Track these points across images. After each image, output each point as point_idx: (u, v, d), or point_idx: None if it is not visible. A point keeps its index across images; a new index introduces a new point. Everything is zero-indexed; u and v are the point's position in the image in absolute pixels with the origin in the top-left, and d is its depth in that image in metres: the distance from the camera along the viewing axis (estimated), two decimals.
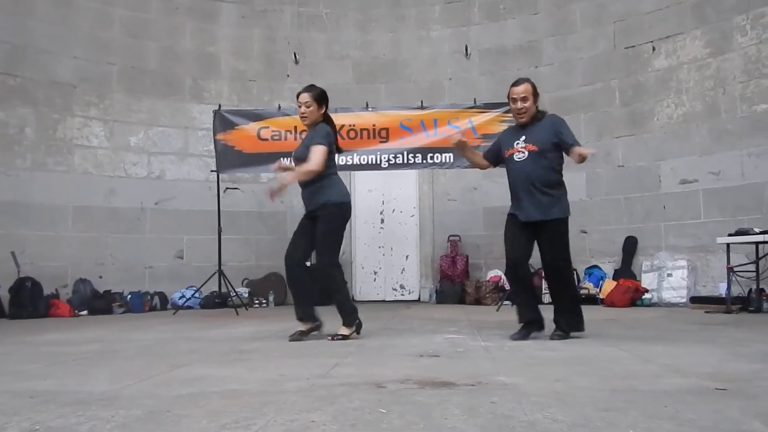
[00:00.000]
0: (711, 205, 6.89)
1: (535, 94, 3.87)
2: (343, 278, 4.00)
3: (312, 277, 4.04)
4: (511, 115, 4.29)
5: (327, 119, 4.06)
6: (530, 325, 3.85)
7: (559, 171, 3.86)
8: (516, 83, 3.90)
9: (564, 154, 3.84)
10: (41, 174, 7.17)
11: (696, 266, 6.91)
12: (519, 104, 3.84)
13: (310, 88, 4.02)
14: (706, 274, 6.87)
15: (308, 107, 3.95)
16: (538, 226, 3.79)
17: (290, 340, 3.89)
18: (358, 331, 3.99)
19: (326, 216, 3.88)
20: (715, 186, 6.87)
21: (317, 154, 3.83)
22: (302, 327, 3.97)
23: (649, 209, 7.39)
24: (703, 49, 7.03)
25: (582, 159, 3.63)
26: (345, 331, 3.91)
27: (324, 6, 8.71)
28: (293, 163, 4.14)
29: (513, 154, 3.85)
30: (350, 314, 3.95)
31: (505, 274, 4.26)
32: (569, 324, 3.83)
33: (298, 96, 4.02)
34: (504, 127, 5.88)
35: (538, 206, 3.77)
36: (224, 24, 8.39)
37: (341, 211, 3.95)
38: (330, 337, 3.88)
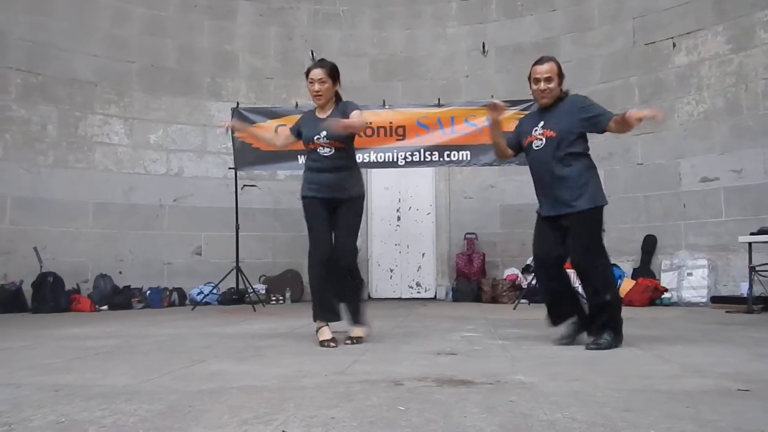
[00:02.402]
0: (732, 204, 6.79)
1: (560, 74, 3.47)
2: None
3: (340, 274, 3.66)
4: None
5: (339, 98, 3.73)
6: (571, 322, 3.47)
7: (584, 155, 3.41)
8: (539, 61, 3.51)
9: (600, 133, 3.49)
10: (62, 171, 7.29)
11: (716, 265, 6.81)
12: (542, 85, 3.44)
13: (323, 63, 3.65)
14: (727, 274, 6.77)
15: (323, 84, 3.57)
16: (564, 221, 3.37)
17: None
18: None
19: (354, 206, 3.66)
20: (737, 184, 6.76)
21: (360, 114, 3.56)
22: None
23: (668, 207, 7.30)
24: (724, 45, 6.92)
25: (639, 121, 3.14)
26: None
27: (340, 3, 8.71)
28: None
29: (532, 141, 3.46)
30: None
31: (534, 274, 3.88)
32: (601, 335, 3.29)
33: (308, 72, 3.62)
34: None
35: (555, 201, 3.38)
36: (241, 22, 8.44)
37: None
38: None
